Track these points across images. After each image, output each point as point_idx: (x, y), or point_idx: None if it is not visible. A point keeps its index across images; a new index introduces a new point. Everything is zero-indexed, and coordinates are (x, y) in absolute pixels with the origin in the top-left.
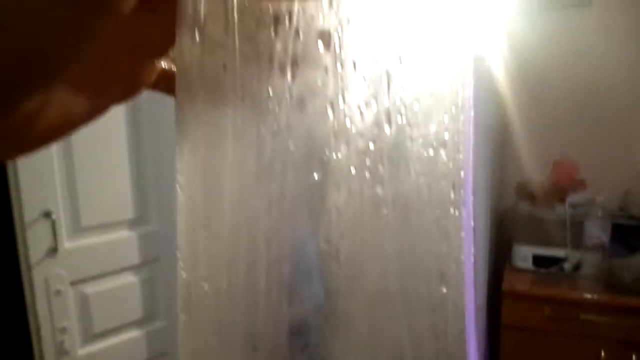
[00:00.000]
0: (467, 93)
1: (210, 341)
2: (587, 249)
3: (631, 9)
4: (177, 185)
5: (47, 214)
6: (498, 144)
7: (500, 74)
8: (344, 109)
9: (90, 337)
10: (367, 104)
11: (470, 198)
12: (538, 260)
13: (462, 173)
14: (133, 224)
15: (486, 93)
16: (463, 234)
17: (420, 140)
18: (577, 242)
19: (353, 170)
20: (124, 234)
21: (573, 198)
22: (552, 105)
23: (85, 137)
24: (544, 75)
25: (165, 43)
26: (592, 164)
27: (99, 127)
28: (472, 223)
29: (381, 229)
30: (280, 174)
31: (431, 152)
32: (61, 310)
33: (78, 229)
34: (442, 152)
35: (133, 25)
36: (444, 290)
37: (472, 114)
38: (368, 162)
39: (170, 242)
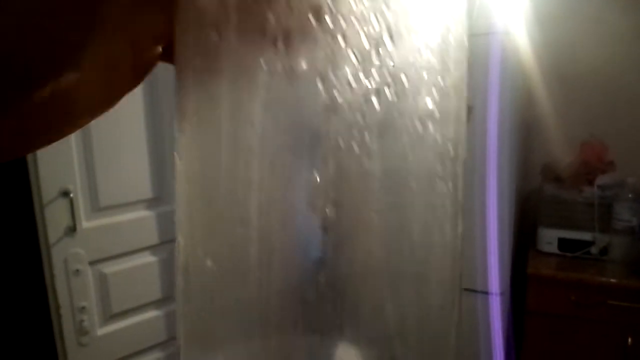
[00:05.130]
0: (459, 71)
1: (208, 307)
2: (615, 232)
3: None
4: (175, 154)
5: (65, 193)
6: (523, 123)
7: (527, 51)
8: (333, 82)
9: (110, 317)
10: (356, 78)
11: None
12: (564, 244)
13: (450, 146)
14: (151, 203)
15: (511, 70)
16: (450, 209)
17: (408, 114)
18: (605, 225)
19: (342, 143)
20: (142, 213)
21: (602, 180)
22: (580, 84)
23: (104, 116)
24: (571, 53)
25: (167, 29)
26: (622, 144)
27: (118, 107)
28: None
29: (369, 202)
30: (272, 147)
31: (418, 125)
32: (80, 289)
33: (96, 208)
34: (430, 125)
35: (134, 14)
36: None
37: (465, 94)
38: (356, 134)
39: None
